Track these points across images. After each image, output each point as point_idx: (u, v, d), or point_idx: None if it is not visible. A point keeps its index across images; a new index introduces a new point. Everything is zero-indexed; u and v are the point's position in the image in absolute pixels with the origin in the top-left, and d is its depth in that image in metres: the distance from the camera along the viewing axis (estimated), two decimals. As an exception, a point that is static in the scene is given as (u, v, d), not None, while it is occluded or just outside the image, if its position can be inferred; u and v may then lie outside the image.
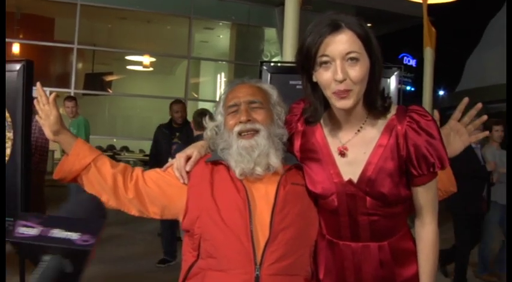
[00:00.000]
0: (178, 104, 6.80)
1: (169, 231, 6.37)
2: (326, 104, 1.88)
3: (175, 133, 6.54)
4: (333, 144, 1.90)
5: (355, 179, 1.84)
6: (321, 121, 1.95)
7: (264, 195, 1.91)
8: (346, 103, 1.74)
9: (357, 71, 1.71)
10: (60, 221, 0.94)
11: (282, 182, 1.92)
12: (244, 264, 1.81)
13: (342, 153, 1.88)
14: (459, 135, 2.18)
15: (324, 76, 1.74)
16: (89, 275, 5.68)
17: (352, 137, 1.88)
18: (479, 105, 2.17)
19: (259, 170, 1.91)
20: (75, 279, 0.94)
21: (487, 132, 2.25)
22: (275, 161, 1.92)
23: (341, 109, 1.79)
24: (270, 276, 1.80)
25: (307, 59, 1.77)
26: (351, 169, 1.86)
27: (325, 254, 1.94)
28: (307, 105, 1.95)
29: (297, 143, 2.00)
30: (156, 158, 6.56)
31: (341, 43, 1.70)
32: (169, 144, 6.48)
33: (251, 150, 1.91)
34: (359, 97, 1.77)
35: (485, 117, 2.23)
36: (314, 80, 1.81)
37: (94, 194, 2.02)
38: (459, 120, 2.20)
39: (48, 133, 2.03)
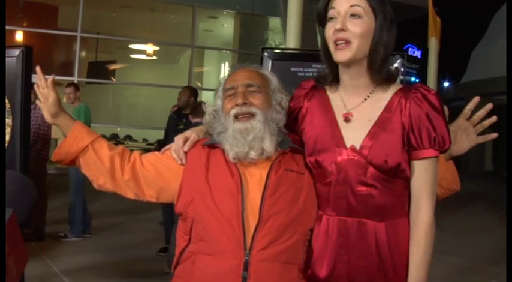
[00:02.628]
0: (184, 89, 6.82)
1: (172, 220, 6.36)
2: (337, 72, 1.92)
3: (182, 119, 6.55)
4: (338, 111, 1.92)
5: (357, 146, 1.83)
6: (328, 91, 1.99)
7: (258, 180, 1.90)
8: (344, 54, 1.79)
9: (357, 26, 1.78)
10: None
11: (274, 167, 1.91)
12: (234, 249, 1.81)
13: (347, 119, 1.88)
14: (467, 134, 2.15)
15: (328, 30, 1.83)
16: (90, 263, 5.72)
17: (357, 104, 1.89)
18: (490, 105, 2.16)
19: (253, 154, 1.90)
20: None
21: (495, 134, 2.19)
22: (269, 145, 1.91)
23: (340, 63, 1.84)
24: (260, 262, 1.79)
25: (320, 17, 1.87)
26: (354, 136, 1.85)
27: (320, 239, 1.90)
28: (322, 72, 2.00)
29: (302, 117, 2.01)
30: (164, 143, 6.71)
31: (348, 0, 1.79)
32: (175, 129, 6.49)
33: (246, 134, 1.90)
34: (358, 53, 1.80)
35: (490, 105, 2.18)
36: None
37: (89, 176, 2.03)
38: (468, 119, 2.17)
39: (47, 116, 2.04)
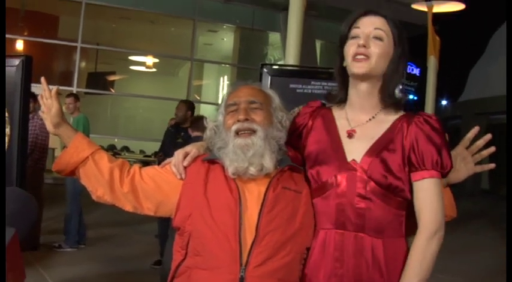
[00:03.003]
0: (181, 103, 6.83)
1: (167, 232, 6.34)
2: (346, 93, 2.00)
3: (181, 133, 6.55)
4: (342, 127, 1.96)
5: (358, 160, 1.86)
6: (334, 111, 2.04)
7: (256, 197, 1.90)
8: (362, 66, 1.86)
9: (378, 47, 1.87)
10: None
11: (272, 184, 1.92)
12: (230, 264, 1.80)
13: (350, 135, 1.93)
14: (465, 162, 2.16)
15: (350, 46, 1.90)
16: (84, 274, 5.68)
17: (362, 123, 1.94)
18: (489, 136, 2.18)
19: (252, 170, 1.91)
20: None
21: (493, 165, 2.20)
22: (268, 162, 1.92)
23: (355, 75, 1.89)
24: (255, 278, 1.79)
25: (343, 37, 1.95)
26: (356, 150, 1.89)
27: (316, 252, 1.90)
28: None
29: (306, 133, 2.03)
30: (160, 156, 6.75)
31: (372, 22, 1.90)
32: (174, 143, 6.49)
33: (246, 149, 1.91)
34: (375, 70, 1.87)
35: (489, 135, 2.19)
36: (344, 64, 1.94)
37: (88, 188, 2.03)
38: (467, 148, 2.18)
39: (49, 126, 2.06)
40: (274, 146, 1.96)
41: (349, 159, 1.88)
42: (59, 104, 2.05)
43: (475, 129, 2.21)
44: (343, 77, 1.97)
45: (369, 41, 1.86)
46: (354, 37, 1.90)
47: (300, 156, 2.04)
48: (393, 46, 1.90)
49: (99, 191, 2.01)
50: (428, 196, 1.84)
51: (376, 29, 1.88)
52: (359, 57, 1.86)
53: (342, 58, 1.96)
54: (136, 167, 2.08)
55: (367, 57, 1.85)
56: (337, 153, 1.90)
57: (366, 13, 1.92)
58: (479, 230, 10.83)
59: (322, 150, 1.94)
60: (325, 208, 1.89)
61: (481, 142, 2.18)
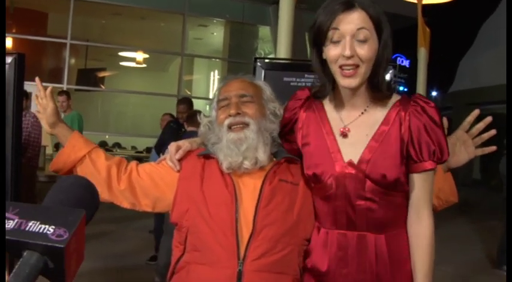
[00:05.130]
0: (183, 104, 6.77)
1: (161, 228, 6.34)
2: (333, 84, 1.90)
3: (182, 129, 6.52)
4: (335, 125, 1.90)
5: (355, 160, 1.82)
6: (324, 103, 1.97)
7: (252, 190, 1.91)
8: (352, 82, 1.77)
9: (365, 50, 1.74)
10: (37, 210, 0.88)
11: (268, 177, 1.93)
12: (228, 259, 1.81)
13: (344, 134, 1.87)
14: (465, 146, 2.16)
15: (332, 52, 1.77)
16: (79, 270, 5.70)
17: (355, 119, 1.88)
18: (489, 118, 2.18)
19: (246, 164, 1.92)
20: (58, 275, 0.89)
21: (494, 147, 2.20)
22: (262, 155, 1.93)
23: (346, 88, 1.81)
24: (253, 272, 1.79)
25: (319, 34, 1.80)
26: (352, 150, 1.84)
27: (318, 251, 1.90)
28: (315, 82, 1.97)
29: (298, 128, 1.99)
30: (160, 150, 6.63)
31: (353, 21, 1.73)
32: (176, 139, 6.42)
33: (239, 144, 1.92)
34: (364, 77, 1.79)
35: (489, 118, 2.20)
36: (324, 57, 1.83)
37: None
38: (467, 131, 2.18)
39: (45, 126, 2.08)
40: (268, 138, 1.97)
41: (345, 159, 1.84)
42: (54, 104, 2.08)
43: (475, 112, 2.19)
44: (325, 70, 1.86)
45: (354, 45, 1.73)
46: (334, 41, 1.76)
47: (296, 148, 2.01)
48: (377, 39, 1.78)
49: None
50: (427, 189, 1.84)
51: (358, 29, 1.72)
52: (347, 69, 1.75)
53: (318, 50, 1.86)
54: (133, 164, 2.09)
55: (356, 66, 1.75)
56: (333, 153, 1.86)
57: (343, 9, 1.74)
58: (471, 220, 10.90)
59: (317, 150, 1.90)
60: (326, 209, 1.88)
61: (481, 125, 2.18)
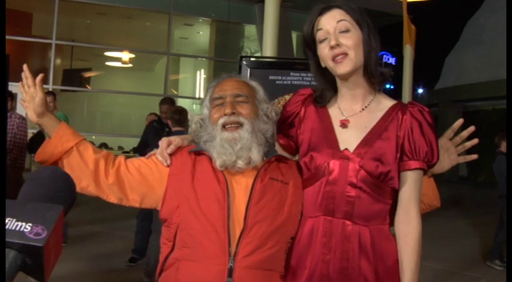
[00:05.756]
0: (165, 105, 6.63)
1: (149, 229, 6.27)
2: (335, 89, 2.02)
3: (165, 129, 6.47)
4: (335, 116, 1.99)
5: (351, 149, 1.89)
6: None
7: (244, 188, 1.91)
8: (345, 66, 1.88)
9: (349, 39, 1.88)
10: (13, 207, 0.85)
11: (260, 175, 1.93)
12: (219, 255, 1.81)
13: (343, 125, 1.95)
14: (448, 153, 2.19)
15: (323, 50, 1.91)
16: (66, 272, 5.65)
17: (355, 113, 1.97)
18: (472, 128, 2.24)
19: (240, 163, 1.91)
20: (37, 270, 0.88)
21: (475, 156, 2.24)
22: (256, 155, 1.93)
23: (343, 75, 1.91)
24: (244, 268, 1.80)
25: (308, 41, 1.97)
26: (349, 140, 1.92)
27: (303, 240, 1.93)
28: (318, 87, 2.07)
29: (299, 121, 2.06)
30: (144, 151, 6.51)
31: (332, 18, 1.91)
32: (159, 139, 6.33)
33: (234, 143, 1.91)
34: (357, 63, 1.89)
35: (472, 128, 2.26)
36: (323, 65, 1.96)
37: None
38: (451, 139, 2.21)
39: (32, 115, 1.99)
40: (261, 138, 1.97)
41: (342, 148, 1.90)
42: (43, 93, 1.98)
43: (459, 121, 2.24)
44: (325, 77, 2.00)
45: (338, 37, 1.88)
46: (322, 41, 1.92)
47: (293, 144, 2.07)
48: (360, 30, 1.91)
49: (83, 182, 1.95)
50: (417, 188, 1.91)
51: (338, 21, 1.89)
52: (338, 58, 1.88)
53: (315, 60, 1.99)
54: (121, 158, 2.05)
55: (345, 54, 1.87)
56: (331, 142, 1.92)
57: (321, 12, 1.93)
58: (457, 216, 10.97)
59: (315, 138, 1.97)
60: (316, 195, 1.92)
61: (464, 133, 2.22)
